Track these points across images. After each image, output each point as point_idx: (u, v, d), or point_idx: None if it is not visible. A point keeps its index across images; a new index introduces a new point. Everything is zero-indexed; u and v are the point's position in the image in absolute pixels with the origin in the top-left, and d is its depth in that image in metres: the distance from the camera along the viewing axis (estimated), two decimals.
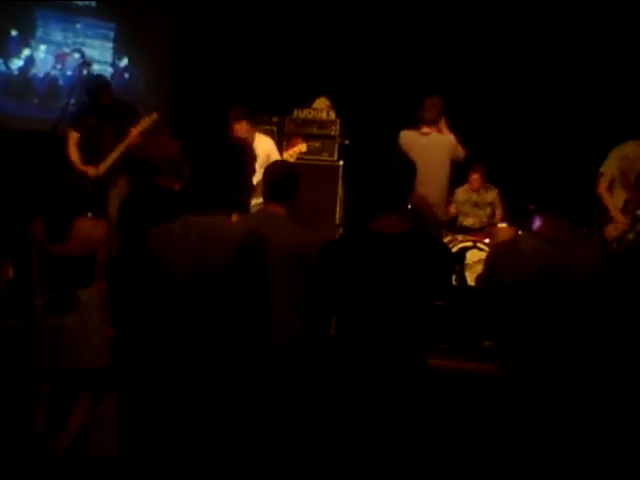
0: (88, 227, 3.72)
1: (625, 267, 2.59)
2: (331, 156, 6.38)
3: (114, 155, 5.39)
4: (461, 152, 5.60)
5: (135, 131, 5.33)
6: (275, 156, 5.43)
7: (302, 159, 6.08)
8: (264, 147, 5.39)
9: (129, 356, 3.20)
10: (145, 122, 5.35)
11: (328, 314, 2.63)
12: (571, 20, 6.91)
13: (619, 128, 6.09)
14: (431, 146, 5.46)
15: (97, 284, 3.73)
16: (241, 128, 5.24)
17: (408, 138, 5.54)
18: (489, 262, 2.76)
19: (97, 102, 5.51)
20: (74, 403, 3.68)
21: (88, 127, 5.48)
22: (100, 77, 5.95)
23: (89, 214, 3.93)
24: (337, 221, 6.30)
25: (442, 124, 5.61)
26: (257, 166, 5.54)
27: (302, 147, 5.88)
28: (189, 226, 2.50)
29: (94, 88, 5.56)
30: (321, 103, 6.58)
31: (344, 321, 2.62)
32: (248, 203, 2.66)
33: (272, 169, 3.65)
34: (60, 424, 3.65)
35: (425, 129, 5.54)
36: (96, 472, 3.52)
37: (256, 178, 5.39)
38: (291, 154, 5.67)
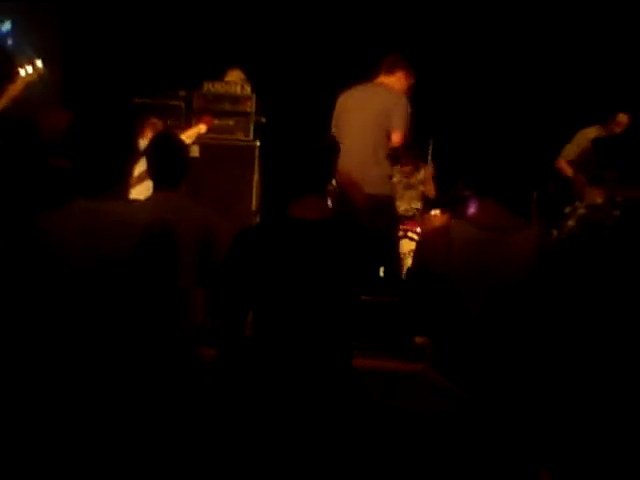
0: None
1: (562, 258, 2.66)
2: (246, 136, 6.34)
3: None
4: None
5: (12, 88, 4.78)
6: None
7: (215, 139, 6.03)
8: None
9: (17, 356, 3.13)
10: (27, 76, 4.81)
11: (244, 311, 2.63)
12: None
13: (561, 113, 6.31)
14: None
15: None
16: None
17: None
18: (418, 251, 2.81)
19: None
20: None
21: None
22: None
23: None
24: (254, 208, 6.26)
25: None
26: None
27: (201, 128, 5.78)
28: (85, 212, 2.49)
29: None
30: (234, 76, 6.51)
31: (260, 319, 2.60)
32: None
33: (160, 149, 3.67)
34: None
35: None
36: None
37: None
38: (189, 135, 5.56)
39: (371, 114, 5.11)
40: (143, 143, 5.32)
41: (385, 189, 5.28)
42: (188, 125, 5.69)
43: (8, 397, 2.61)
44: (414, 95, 5.34)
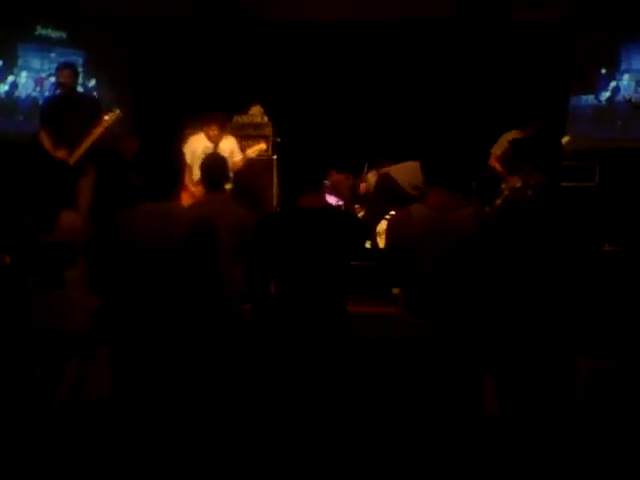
0: (69, 218, 3.63)
1: (492, 226, 2.67)
2: (267, 152, 6.33)
3: (83, 147, 4.93)
4: None
5: (100, 128, 4.95)
6: (237, 153, 5.39)
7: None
8: (228, 145, 5.33)
9: (113, 318, 3.18)
10: (109, 119, 4.99)
11: (267, 276, 2.63)
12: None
13: (489, 122, 6.28)
14: None
15: (79, 264, 3.65)
16: (211, 129, 5.21)
17: None
18: (389, 229, 2.81)
19: (58, 83, 5.04)
20: (66, 362, 3.61)
21: (58, 121, 5.01)
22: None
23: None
24: (274, 202, 6.29)
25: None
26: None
27: (262, 146, 5.81)
28: (150, 211, 2.53)
29: (55, 69, 5.16)
30: (256, 110, 6.55)
31: (280, 280, 2.61)
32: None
33: (208, 163, 3.64)
34: (56, 379, 3.57)
35: None
36: (91, 413, 3.49)
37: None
38: (253, 150, 5.59)
39: None
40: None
41: None
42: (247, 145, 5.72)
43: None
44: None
